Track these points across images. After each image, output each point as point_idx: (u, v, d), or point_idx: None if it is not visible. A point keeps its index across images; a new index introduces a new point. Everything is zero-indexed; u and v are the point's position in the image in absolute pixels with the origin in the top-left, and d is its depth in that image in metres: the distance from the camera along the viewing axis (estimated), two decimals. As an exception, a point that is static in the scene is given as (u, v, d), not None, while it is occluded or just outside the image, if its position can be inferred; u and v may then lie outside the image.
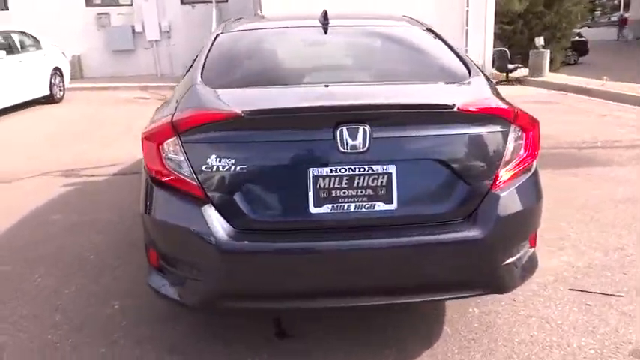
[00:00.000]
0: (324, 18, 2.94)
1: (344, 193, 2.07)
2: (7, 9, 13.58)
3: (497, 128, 2.17)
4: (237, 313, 2.57)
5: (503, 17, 15.31)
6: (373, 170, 2.07)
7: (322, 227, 2.09)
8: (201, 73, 2.51)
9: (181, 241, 2.13)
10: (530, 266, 2.38)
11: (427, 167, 2.12)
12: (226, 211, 2.07)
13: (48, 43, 10.49)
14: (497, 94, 2.41)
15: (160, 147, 2.14)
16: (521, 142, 2.24)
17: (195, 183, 2.08)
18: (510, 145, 2.19)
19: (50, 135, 7.65)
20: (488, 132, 2.15)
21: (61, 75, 10.67)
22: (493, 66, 13.35)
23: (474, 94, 2.29)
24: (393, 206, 2.09)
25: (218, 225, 2.04)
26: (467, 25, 12.81)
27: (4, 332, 2.69)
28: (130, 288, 3.06)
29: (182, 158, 2.09)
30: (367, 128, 2.02)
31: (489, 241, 2.10)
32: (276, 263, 2.07)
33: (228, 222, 2.07)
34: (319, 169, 2.05)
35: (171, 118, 2.14)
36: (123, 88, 12.20)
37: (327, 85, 2.31)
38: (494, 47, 13.60)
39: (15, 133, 7.86)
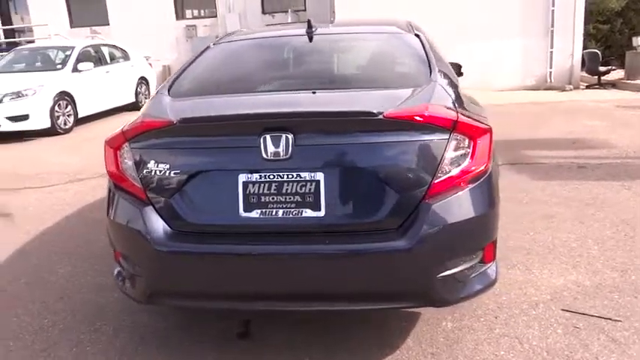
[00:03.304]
0: (309, 27, 2.99)
1: (273, 199, 2.11)
2: (108, 24, 14.93)
3: (433, 136, 2.09)
4: (180, 308, 2.70)
5: (598, 16, 14.24)
6: (301, 177, 2.09)
7: (251, 232, 2.15)
8: (173, 83, 2.68)
9: (127, 240, 2.29)
10: (481, 281, 2.25)
11: (356, 175, 2.10)
12: (165, 212, 2.19)
13: (136, 55, 11.39)
14: (452, 102, 2.29)
15: (118, 152, 2.31)
16: (465, 151, 2.14)
17: (139, 186, 2.23)
18: (449, 154, 2.10)
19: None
20: (422, 140, 2.08)
21: (147, 84, 11.54)
22: (583, 68, 12.46)
23: (413, 100, 2.22)
24: (321, 213, 2.09)
25: (156, 226, 2.17)
26: (552, 26, 12.06)
27: (15, 315, 3.01)
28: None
29: (130, 163, 2.25)
30: (290, 136, 2.05)
31: (418, 252, 2.03)
32: (206, 264, 2.16)
33: (167, 223, 2.19)
34: (248, 175, 2.12)
35: (124, 126, 2.31)
36: (205, 95, 12.91)
37: (272, 94, 2.36)
38: (587, 48, 12.70)
39: (94, 138, 8.62)
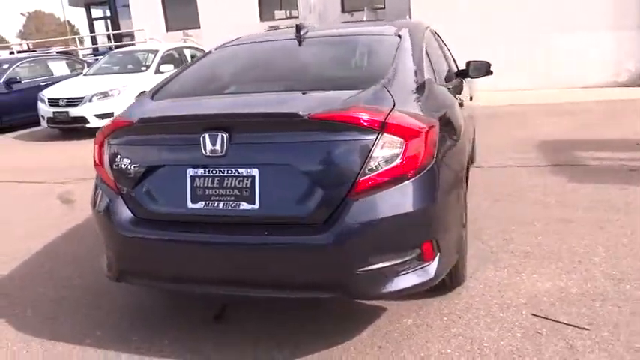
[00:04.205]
0: (297, 31, 3.17)
1: (215, 192, 2.33)
2: (199, 27, 15.95)
3: (359, 136, 2.18)
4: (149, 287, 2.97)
5: None
6: (238, 173, 2.29)
7: (197, 221, 2.38)
8: (163, 85, 2.98)
9: (103, 225, 2.61)
10: (416, 278, 2.31)
11: (287, 172, 2.25)
12: (130, 202, 2.49)
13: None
14: (393, 103, 2.34)
15: (101, 148, 2.65)
16: (395, 150, 2.21)
17: (112, 178, 2.55)
18: (376, 153, 2.18)
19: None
20: (348, 140, 2.19)
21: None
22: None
23: (348, 101, 2.31)
24: (256, 207, 2.28)
25: (122, 213, 2.49)
26: (646, 17, 11.08)
27: (42, 287, 3.49)
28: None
29: (107, 158, 2.58)
30: (225, 135, 2.25)
31: (338, 246, 2.15)
32: (161, 249, 2.43)
33: (131, 211, 2.49)
34: (195, 170, 2.35)
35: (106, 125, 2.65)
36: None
37: (224, 96, 2.59)
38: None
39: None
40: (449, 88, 3.34)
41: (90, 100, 9.15)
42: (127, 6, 21.24)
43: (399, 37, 3.06)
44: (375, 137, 2.19)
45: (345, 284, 2.22)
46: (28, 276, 3.70)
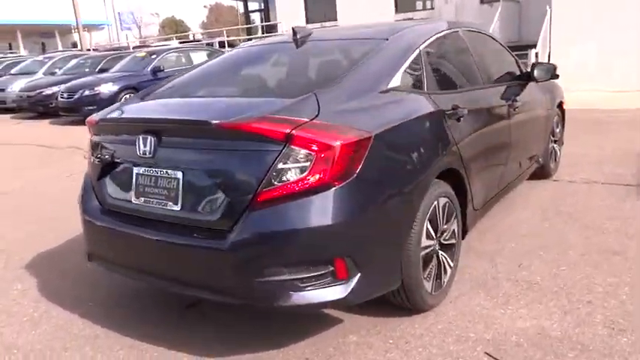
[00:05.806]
0: (294, 35, 3.19)
1: (151, 190, 2.50)
2: (337, 19, 16.31)
3: (265, 147, 2.17)
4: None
5: None
6: (168, 174, 2.43)
7: (138, 215, 2.57)
8: (159, 87, 3.22)
9: (80, 210, 2.93)
10: (324, 295, 2.23)
11: (203, 177, 2.33)
12: (98, 192, 2.78)
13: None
14: (315, 114, 2.26)
15: (89, 141, 2.98)
16: (302, 163, 2.15)
17: (90, 168, 2.86)
18: (281, 165, 2.15)
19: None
20: (254, 149, 2.18)
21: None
22: None
23: (262, 111, 2.26)
24: (178, 207, 2.40)
25: (91, 201, 2.79)
26: None
27: (60, 262, 3.94)
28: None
29: (89, 150, 2.90)
30: (153, 138, 2.40)
31: (236, 254, 2.18)
32: (109, 238, 2.67)
33: (99, 201, 2.77)
34: (138, 169, 2.54)
35: (92, 121, 2.97)
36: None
37: (170, 99, 2.74)
38: None
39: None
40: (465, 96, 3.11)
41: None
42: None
43: (386, 40, 2.90)
44: (280, 149, 2.16)
45: (246, 292, 2.24)
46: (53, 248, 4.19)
